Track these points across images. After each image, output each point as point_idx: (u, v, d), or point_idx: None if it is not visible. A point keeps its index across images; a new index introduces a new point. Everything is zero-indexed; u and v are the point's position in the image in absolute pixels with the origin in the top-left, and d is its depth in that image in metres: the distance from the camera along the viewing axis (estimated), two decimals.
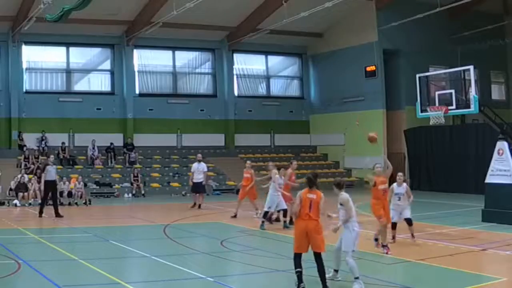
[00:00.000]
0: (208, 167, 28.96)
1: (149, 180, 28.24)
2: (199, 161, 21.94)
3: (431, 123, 18.60)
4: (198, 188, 21.57)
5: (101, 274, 10.18)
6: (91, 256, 11.85)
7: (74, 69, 30.86)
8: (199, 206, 21.18)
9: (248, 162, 19.72)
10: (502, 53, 33.95)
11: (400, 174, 13.33)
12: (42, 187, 18.95)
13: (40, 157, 26.86)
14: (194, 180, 21.59)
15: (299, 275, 8.99)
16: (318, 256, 8.99)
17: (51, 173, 19.11)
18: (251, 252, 12.78)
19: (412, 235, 13.12)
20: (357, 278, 9.12)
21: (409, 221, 13.10)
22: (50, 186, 19.10)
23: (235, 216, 18.45)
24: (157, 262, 11.43)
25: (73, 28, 27.57)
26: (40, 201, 22.24)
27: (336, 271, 9.79)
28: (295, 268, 9.06)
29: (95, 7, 23.66)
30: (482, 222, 16.48)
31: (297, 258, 9.10)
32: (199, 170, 21.64)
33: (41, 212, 18.81)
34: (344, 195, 9.52)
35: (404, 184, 13.20)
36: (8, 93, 28.60)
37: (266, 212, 16.14)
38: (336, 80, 32.97)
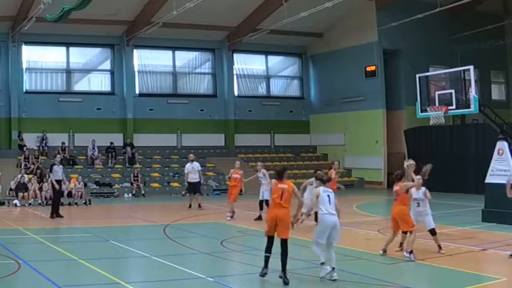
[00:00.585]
0: (208, 167, 29.28)
1: (149, 180, 28.21)
2: (192, 161, 21.84)
3: (431, 123, 18.60)
4: (195, 189, 21.52)
5: (101, 274, 10.18)
6: (91, 256, 11.84)
7: (74, 69, 30.84)
8: (199, 206, 21.14)
9: (237, 162, 19.70)
10: (502, 53, 33.94)
11: (418, 176, 12.24)
12: (57, 186, 18.69)
13: (40, 157, 26.84)
14: (190, 180, 21.47)
15: (266, 260, 9.53)
16: (283, 242, 9.48)
17: (58, 173, 19.06)
18: (251, 252, 12.75)
19: (439, 247, 12.03)
20: (322, 263, 9.52)
21: (432, 231, 12.11)
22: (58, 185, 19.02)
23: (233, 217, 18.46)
24: (157, 262, 11.42)
25: (73, 28, 27.54)
26: (40, 202, 22.41)
27: (333, 268, 9.67)
28: (265, 252, 9.61)
29: (95, 7, 23.65)
30: (482, 222, 16.48)
31: (269, 242, 9.62)
32: (194, 170, 21.57)
33: (53, 214, 18.48)
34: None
35: (423, 188, 12.09)
36: (8, 93, 28.58)
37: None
38: (336, 80, 32.96)
